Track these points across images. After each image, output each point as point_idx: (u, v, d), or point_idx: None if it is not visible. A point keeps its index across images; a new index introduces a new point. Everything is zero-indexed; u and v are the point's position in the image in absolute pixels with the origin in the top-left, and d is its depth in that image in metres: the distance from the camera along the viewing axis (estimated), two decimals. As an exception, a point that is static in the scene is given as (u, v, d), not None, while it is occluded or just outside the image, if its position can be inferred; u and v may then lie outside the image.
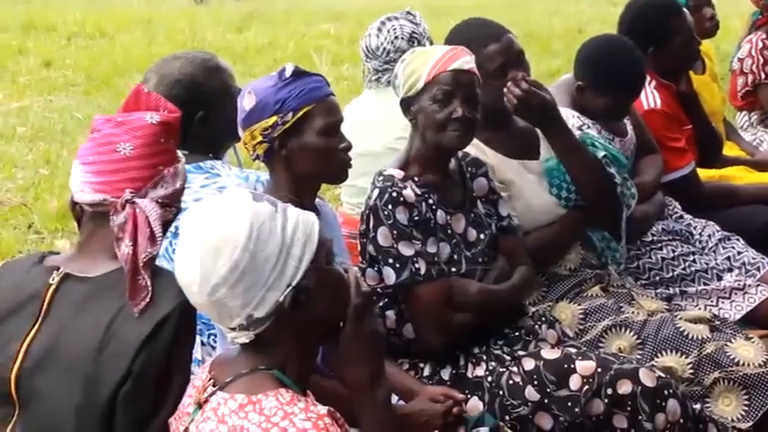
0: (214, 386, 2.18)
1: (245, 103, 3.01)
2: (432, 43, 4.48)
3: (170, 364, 2.37)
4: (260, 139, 3.01)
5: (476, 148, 3.66)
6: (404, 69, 3.35)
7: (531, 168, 3.83)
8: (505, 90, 3.66)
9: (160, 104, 2.57)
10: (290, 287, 2.12)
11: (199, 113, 3.30)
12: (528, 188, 3.77)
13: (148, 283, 2.39)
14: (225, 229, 2.11)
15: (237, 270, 2.09)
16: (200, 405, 2.18)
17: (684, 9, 4.81)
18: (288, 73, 3.00)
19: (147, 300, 2.39)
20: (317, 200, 3.20)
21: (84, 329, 2.40)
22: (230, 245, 2.09)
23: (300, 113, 2.99)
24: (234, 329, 2.15)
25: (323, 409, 2.08)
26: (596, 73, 4.18)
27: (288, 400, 2.08)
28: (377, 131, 4.33)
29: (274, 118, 2.98)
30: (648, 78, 4.68)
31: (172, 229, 2.66)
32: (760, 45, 6.05)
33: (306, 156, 3.02)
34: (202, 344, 3.19)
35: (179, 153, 2.58)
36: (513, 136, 3.84)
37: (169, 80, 3.30)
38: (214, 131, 3.35)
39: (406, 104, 3.36)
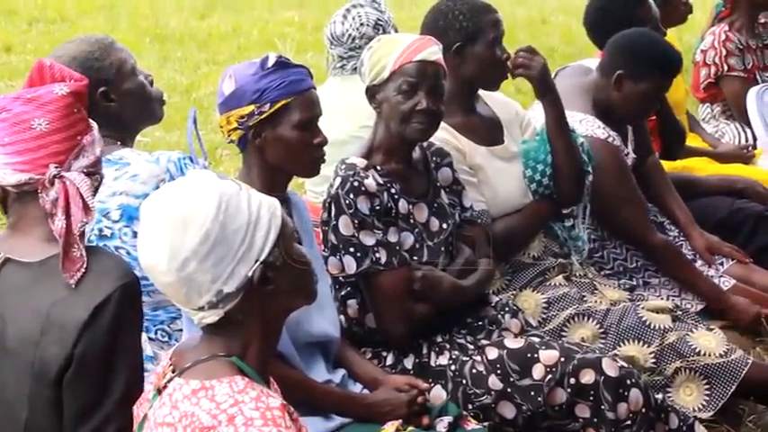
0: (173, 372, 2.17)
1: (225, 86, 2.99)
2: (396, 32, 4.47)
3: (113, 348, 2.35)
4: (235, 125, 2.98)
5: (448, 134, 3.70)
6: (370, 57, 3.34)
7: (498, 154, 3.87)
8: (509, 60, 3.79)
9: (65, 75, 2.50)
10: (259, 262, 2.12)
11: (99, 90, 3.21)
12: (496, 174, 3.82)
13: (83, 254, 2.36)
14: (193, 203, 2.10)
15: (208, 241, 2.08)
16: (159, 391, 2.17)
17: (650, 0, 4.83)
18: (270, 62, 2.98)
19: (83, 270, 2.35)
20: (288, 190, 3.18)
21: (25, 316, 2.38)
22: (200, 216, 2.08)
23: (278, 105, 2.96)
24: (202, 309, 2.13)
25: (275, 402, 2.06)
26: (637, 56, 4.18)
27: (240, 389, 2.07)
28: (341, 119, 4.31)
29: (251, 107, 2.96)
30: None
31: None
32: (723, 37, 6.07)
33: (279, 148, 3.00)
34: (150, 339, 3.17)
35: (90, 121, 2.52)
36: (481, 123, 3.87)
37: (65, 59, 3.19)
38: (119, 110, 3.24)
39: (372, 93, 3.36)
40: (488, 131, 3.90)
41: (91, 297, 2.33)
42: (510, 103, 4.12)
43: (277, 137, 2.99)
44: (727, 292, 4.25)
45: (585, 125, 4.12)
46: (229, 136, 3.02)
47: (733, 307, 4.16)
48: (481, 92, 3.97)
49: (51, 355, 2.33)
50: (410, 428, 2.98)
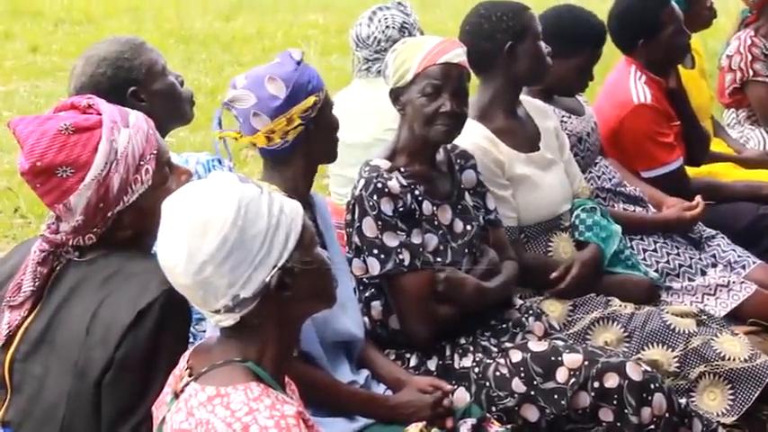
0: (190, 376, 2.17)
1: (273, 89, 2.95)
2: (422, 34, 4.47)
3: (154, 353, 2.35)
4: (298, 122, 2.97)
5: (489, 143, 3.72)
6: (394, 59, 3.35)
7: (535, 161, 3.89)
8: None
9: (26, 150, 2.45)
10: (277, 268, 2.11)
11: (130, 90, 3.21)
12: (532, 183, 3.82)
13: None
14: (213, 207, 2.08)
15: (226, 247, 2.06)
16: (176, 395, 2.17)
17: (673, 2, 4.82)
18: (297, 56, 3.00)
19: None
20: (312, 191, 3.19)
21: (73, 315, 2.40)
22: (219, 221, 2.07)
23: (322, 93, 3.02)
24: (218, 312, 2.12)
25: (290, 410, 2.05)
26: (559, 37, 4.21)
27: (255, 396, 2.06)
28: (366, 122, 4.32)
29: (313, 98, 2.98)
30: (639, 73, 4.71)
31: None
32: (748, 42, 6.06)
33: (326, 134, 3.05)
34: None
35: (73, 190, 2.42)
36: (521, 127, 3.91)
37: (96, 59, 3.22)
38: (150, 110, 3.07)
39: (396, 95, 3.37)
40: (528, 137, 3.92)
41: (136, 301, 2.34)
42: (549, 111, 4.15)
43: (326, 124, 3.03)
44: (661, 215, 4.44)
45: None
46: (285, 137, 2.98)
47: (668, 223, 4.37)
48: (522, 97, 4.00)
49: (95, 356, 2.34)
50: (434, 430, 2.99)
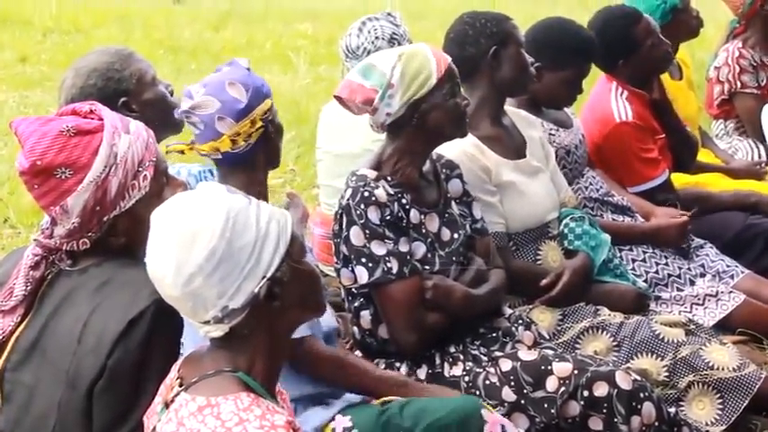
0: (180, 386, 2.17)
1: (235, 93, 2.99)
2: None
3: (146, 361, 2.35)
4: (260, 123, 3.01)
5: (476, 149, 3.73)
6: (402, 73, 3.25)
7: (522, 168, 3.90)
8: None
9: (27, 149, 2.44)
10: (265, 278, 2.11)
11: (120, 100, 3.22)
12: (520, 190, 3.83)
13: None
14: (201, 218, 2.09)
15: (214, 258, 2.07)
16: (167, 404, 2.17)
17: (645, 15, 4.83)
18: (245, 64, 3.08)
19: None
20: None
21: (65, 323, 2.40)
22: (207, 233, 2.07)
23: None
24: (208, 323, 2.12)
25: (280, 419, 2.05)
26: (551, 48, 4.26)
27: (245, 406, 2.06)
28: (355, 132, 4.32)
29: (269, 101, 3.03)
30: (620, 89, 4.72)
31: None
32: (737, 54, 6.08)
33: (279, 137, 3.12)
34: None
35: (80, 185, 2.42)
36: (507, 135, 3.93)
37: (86, 71, 3.24)
38: (141, 119, 3.07)
39: (415, 106, 3.28)
40: (514, 144, 3.95)
41: (127, 310, 2.34)
42: (535, 121, 4.18)
43: (277, 127, 3.09)
44: (650, 224, 4.44)
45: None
46: (249, 139, 3.01)
47: (658, 230, 4.38)
48: (507, 107, 4.02)
49: (86, 364, 2.34)
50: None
